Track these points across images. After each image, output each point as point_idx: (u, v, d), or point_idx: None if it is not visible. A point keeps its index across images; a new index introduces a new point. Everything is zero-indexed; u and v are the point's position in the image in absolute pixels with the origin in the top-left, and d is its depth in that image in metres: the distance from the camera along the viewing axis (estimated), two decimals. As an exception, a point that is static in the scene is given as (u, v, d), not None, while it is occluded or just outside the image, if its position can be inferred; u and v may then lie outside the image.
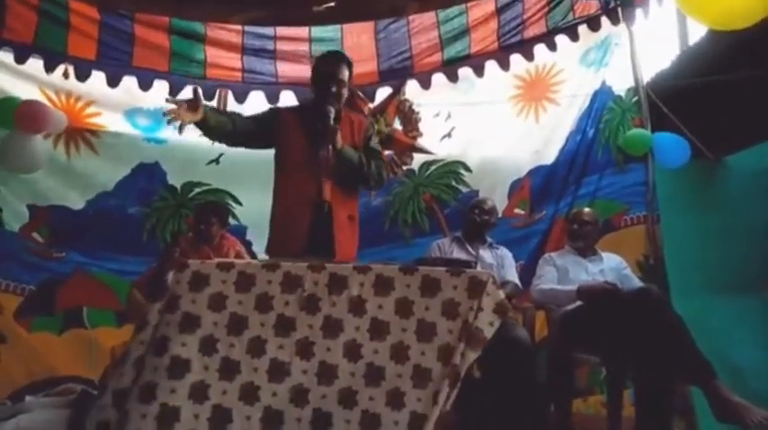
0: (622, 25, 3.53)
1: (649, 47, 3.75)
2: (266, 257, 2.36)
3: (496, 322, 1.65)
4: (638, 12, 3.45)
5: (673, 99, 3.43)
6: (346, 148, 2.34)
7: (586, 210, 3.09)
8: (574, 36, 3.59)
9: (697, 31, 3.81)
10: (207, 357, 1.61)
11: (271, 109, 2.59)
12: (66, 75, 3.44)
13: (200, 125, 2.24)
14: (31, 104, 3.24)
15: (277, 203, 2.41)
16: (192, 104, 2.16)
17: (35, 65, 3.39)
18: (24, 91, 3.40)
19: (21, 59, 3.35)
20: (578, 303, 2.67)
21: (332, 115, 2.29)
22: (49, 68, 3.37)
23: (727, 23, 2.40)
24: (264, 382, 1.58)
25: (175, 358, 1.60)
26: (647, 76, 3.57)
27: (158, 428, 1.51)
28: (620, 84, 3.57)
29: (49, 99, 3.49)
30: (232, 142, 2.47)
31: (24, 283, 3.43)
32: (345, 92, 2.41)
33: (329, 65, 2.40)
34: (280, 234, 2.37)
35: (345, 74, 2.39)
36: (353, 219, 2.43)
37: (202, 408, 1.55)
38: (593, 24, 3.57)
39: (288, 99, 3.59)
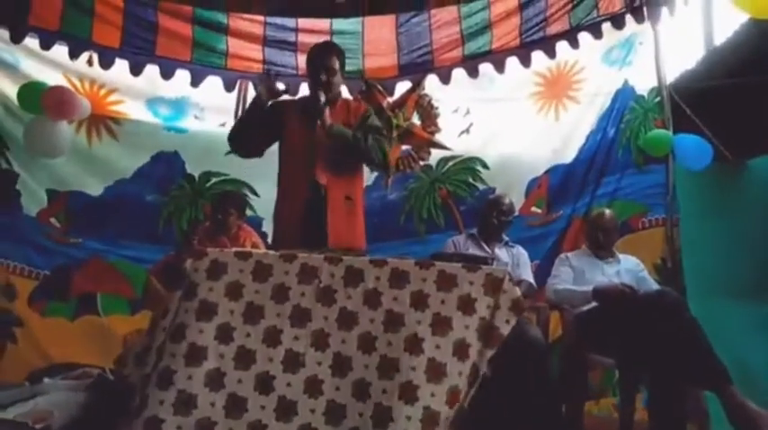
0: (647, 24, 3.47)
1: (674, 47, 3.69)
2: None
3: (513, 320, 1.65)
4: (664, 10, 3.40)
5: (696, 100, 3.38)
6: (337, 126, 2.41)
7: (607, 214, 3.04)
8: (597, 34, 3.54)
9: (723, 32, 3.74)
10: (223, 345, 1.63)
11: (271, 105, 2.63)
12: (90, 62, 3.48)
13: (260, 105, 2.43)
14: (59, 90, 3.29)
15: (278, 192, 2.51)
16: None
17: (60, 51, 3.44)
18: (49, 77, 3.44)
19: (46, 46, 3.39)
20: (593, 304, 2.66)
21: (322, 99, 2.38)
22: (74, 55, 3.41)
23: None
24: (279, 372, 1.59)
25: (192, 345, 1.61)
26: (670, 76, 3.52)
27: (175, 414, 1.53)
28: (643, 83, 3.52)
29: (74, 86, 3.53)
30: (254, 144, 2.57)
31: (39, 268, 3.49)
32: (337, 80, 2.51)
33: (318, 55, 2.52)
34: (278, 219, 2.46)
35: (335, 62, 2.49)
36: (352, 200, 2.46)
37: (218, 396, 1.56)
38: (618, 22, 3.51)
39: (307, 91, 3.60)
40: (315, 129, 2.40)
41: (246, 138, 2.52)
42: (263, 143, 2.57)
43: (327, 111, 2.40)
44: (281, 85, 2.48)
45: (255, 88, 2.46)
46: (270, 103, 2.53)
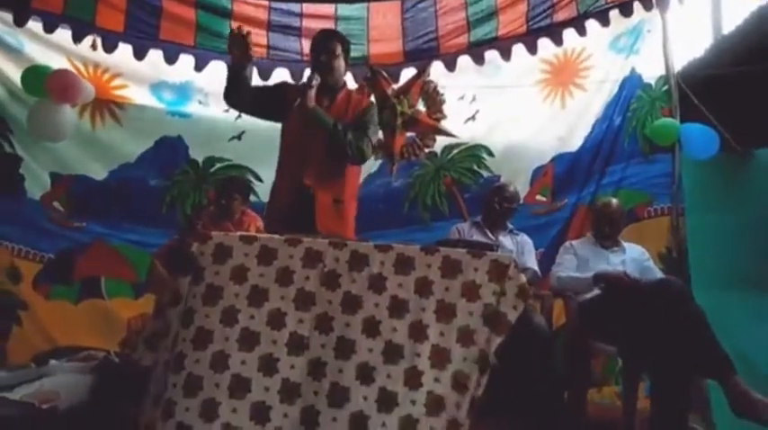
0: (655, 11, 3.43)
1: (682, 35, 3.66)
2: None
3: (520, 306, 1.65)
4: (673, -2, 3.37)
5: (704, 89, 3.36)
6: (320, 110, 2.38)
7: (614, 203, 3.02)
8: (605, 21, 3.49)
9: (731, 20, 3.71)
10: (228, 328, 1.64)
11: (280, 83, 2.61)
12: (93, 46, 3.45)
13: (236, 70, 2.35)
14: (63, 74, 3.27)
15: (274, 182, 2.53)
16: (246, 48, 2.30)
17: (63, 35, 3.42)
18: (53, 61, 3.43)
19: (49, 29, 3.37)
20: (597, 292, 2.66)
21: (314, 81, 2.35)
22: (77, 39, 3.39)
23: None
24: (283, 355, 1.61)
25: (200, 329, 1.63)
26: (678, 64, 3.49)
27: (185, 396, 1.55)
28: (650, 72, 3.49)
29: (77, 69, 3.51)
30: (246, 104, 2.52)
31: (44, 251, 3.50)
32: (338, 65, 2.49)
33: (321, 39, 2.54)
34: (268, 214, 2.49)
35: (338, 47, 2.49)
36: (341, 203, 2.44)
37: (222, 377, 1.58)
38: (626, 10, 3.47)
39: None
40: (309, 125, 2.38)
41: (233, 95, 2.47)
42: (252, 104, 2.53)
43: (312, 93, 2.35)
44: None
45: (229, 50, 2.38)
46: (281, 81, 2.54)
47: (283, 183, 2.45)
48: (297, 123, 2.42)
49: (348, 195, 2.50)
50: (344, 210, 2.45)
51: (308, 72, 3.53)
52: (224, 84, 2.42)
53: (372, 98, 3.56)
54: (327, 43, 2.48)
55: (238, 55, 2.34)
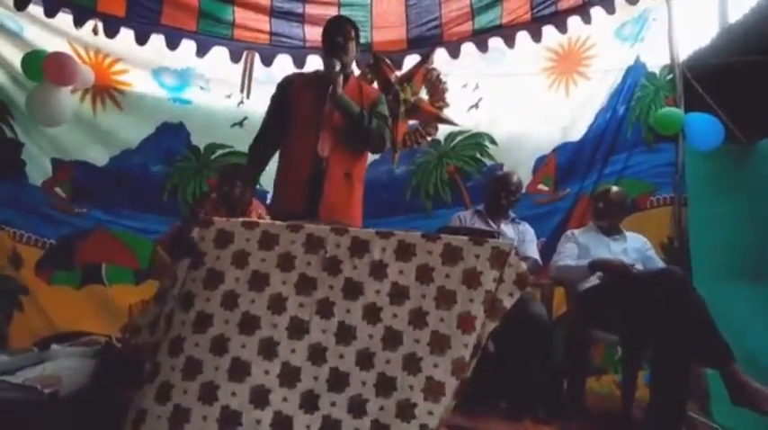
0: (661, 0, 3.41)
1: (687, 24, 3.63)
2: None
3: (516, 293, 1.65)
4: (679, -15, 3.34)
5: (709, 79, 3.33)
6: (347, 98, 2.38)
7: (614, 188, 3.04)
8: (610, 9, 3.46)
9: (738, 10, 3.66)
10: (228, 312, 1.63)
11: (278, 85, 2.60)
12: (95, 31, 3.44)
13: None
14: (60, 56, 3.26)
15: (280, 159, 2.49)
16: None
17: (65, 19, 3.39)
18: (54, 45, 3.41)
19: (50, 13, 3.35)
20: (597, 281, 2.66)
21: (337, 67, 2.36)
22: (79, 23, 3.37)
23: None
24: (284, 339, 1.60)
25: (200, 313, 1.63)
26: (683, 54, 3.47)
27: (183, 379, 1.55)
28: (655, 61, 3.47)
29: (78, 54, 3.50)
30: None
31: (45, 237, 3.50)
32: (352, 47, 2.49)
33: (334, 23, 2.54)
34: (280, 190, 2.46)
35: (351, 31, 2.49)
36: (351, 177, 2.44)
37: (222, 361, 1.58)
38: (631, -3, 3.45)
39: (314, 63, 3.56)
40: (325, 100, 2.37)
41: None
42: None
43: (340, 79, 2.38)
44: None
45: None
46: (277, 84, 2.57)
47: (298, 157, 2.41)
48: (310, 99, 2.41)
49: (358, 171, 2.50)
50: (353, 186, 2.46)
51: (310, 58, 3.58)
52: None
53: (375, 85, 3.56)
54: (342, 26, 2.49)
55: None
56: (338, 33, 2.45)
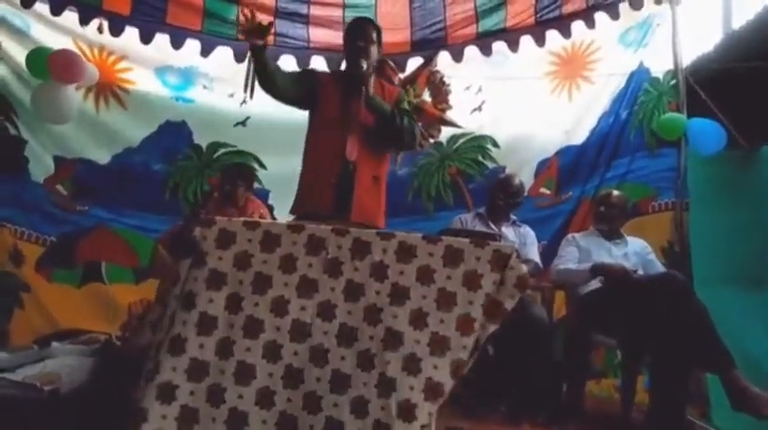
0: (665, 5, 3.42)
1: (691, 30, 3.63)
2: (291, 215, 2.39)
3: (516, 296, 1.65)
4: (683, -9, 3.34)
5: (712, 84, 3.33)
6: (378, 98, 2.37)
7: (615, 192, 3.04)
8: (614, 14, 3.47)
9: (742, 16, 3.66)
10: (233, 315, 1.64)
11: (306, 69, 2.58)
12: (100, 29, 3.45)
13: (258, 55, 2.27)
14: (65, 53, 3.27)
15: (306, 161, 2.44)
16: (262, 29, 2.20)
17: (70, 17, 3.41)
18: (59, 43, 3.42)
19: (56, 11, 3.37)
20: (598, 285, 2.66)
21: (364, 66, 2.35)
22: (84, 22, 3.39)
23: None
24: (287, 342, 1.61)
25: (203, 314, 1.63)
26: (686, 59, 3.47)
27: (188, 380, 1.57)
28: (658, 66, 3.48)
29: (83, 52, 3.51)
30: (276, 88, 2.39)
31: (46, 234, 3.51)
32: (374, 51, 2.46)
33: (356, 24, 2.50)
34: (307, 191, 2.39)
35: (373, 34, 2.46)
36: (379, 181, 2.43)
37: (227, 364, 1.59)
38: (636, 3, 3.43)
39: (318, 64, 3.57)
40: (352, 102, 2.35)
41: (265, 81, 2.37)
42: (289, 102, 2.47)
43: (372, 80, 2.37)
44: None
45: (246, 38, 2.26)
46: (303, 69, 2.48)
47: (325, 157, 2.35)
48: (336, 100, 2.38)
49: (383, 174, 2.49)
50: (380, 188, 2.45)
51: (315, 60, 3.58)
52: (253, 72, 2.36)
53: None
54: (365, 29, 2.45)
55: (256, 40, 2.26)
56: (360, 37, 2.41)
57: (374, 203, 2.40)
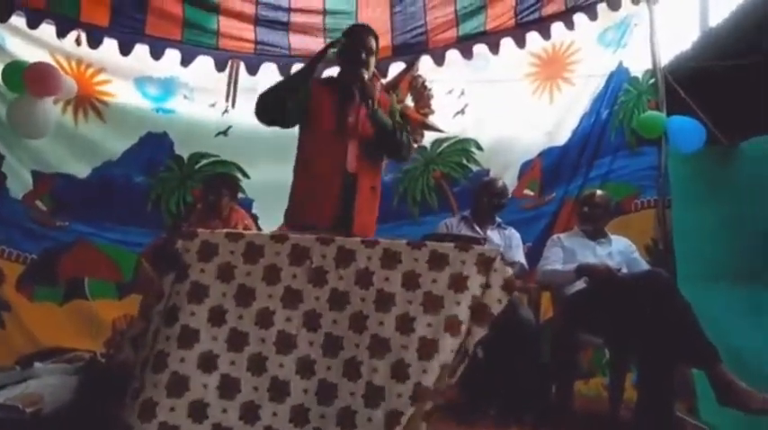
0: (642, 5, 3.45)
1: (669, 29, 3.67)
2: (282, 226, 2.36)
3: (504, 299, 1.65)
4: (661, -10, 3.38)
5: (690, 83, 3.37)
6: (381, 112, 2.34)
7: (599, 192, 3.06)
8: (593, 15, 3.50)
9: (718, 14, 3.72)
10: (216, 328, 1.61)
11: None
12: (78, 41, 3.41)
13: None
14: (41, 66, 3.23)
15: (302, 173, 2.37)
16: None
17: (47, 30, 3.37)
18: (36, 56, 3.37)
19: (33, 24, 3.32)
20: (583, 285, 2.67)
21: (366, 77, 2.31)
22: (61, 34, 3.35)
23: None
24: (272, 354, 1.59)
25: (185, 327, 1.60)
26: (665, 58, 3.51)
27: (168, 396, 1.52)
28: (637, 65, 3.51)
29: (60, 65, 3.46)
30: (284, 109, 2.30)
31: (27, 252, 3.44)
32: (372, 62, 2.42)
33: (357, 31, 2.44)
34: (304, 203, 2.32)
35: (373, 44, 2.42)
36: (376, 191, 2.42)
37: (211, 378, 1.56)
38: (613, 3, 3.48)
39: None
40: (349, 111, 2.32)
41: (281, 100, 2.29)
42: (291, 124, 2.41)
43: (377, 94, 2.33)
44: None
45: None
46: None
47: (325, 170, 2.29)
48: (333, 109, 2.33)
49: (378, 183, 2.47)
50: (377, 198, 2.43)
51: (296, 68, 3.53)
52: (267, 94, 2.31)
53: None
54: (366, 39, 2.40)
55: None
56: (362, 47, 2.35)
57: (372, 215, 2.39)
